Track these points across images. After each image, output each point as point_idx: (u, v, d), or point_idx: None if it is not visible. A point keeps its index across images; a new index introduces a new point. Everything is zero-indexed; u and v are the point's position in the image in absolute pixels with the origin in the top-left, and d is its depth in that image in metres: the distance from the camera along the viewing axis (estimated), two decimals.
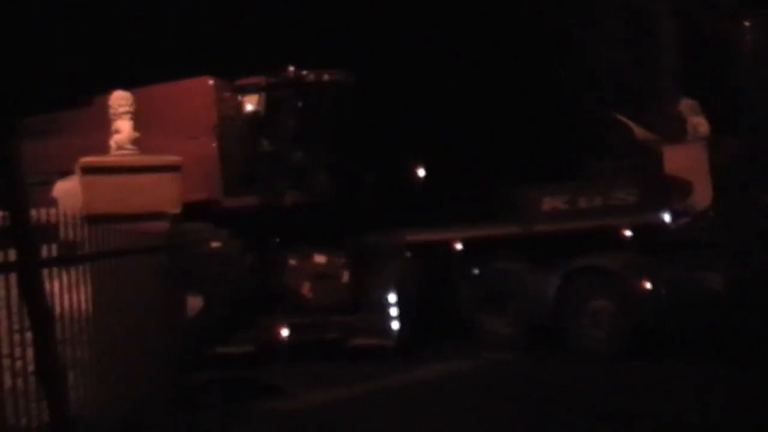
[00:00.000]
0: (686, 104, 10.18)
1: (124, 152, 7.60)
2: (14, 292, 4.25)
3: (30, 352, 4.29)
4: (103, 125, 12.80)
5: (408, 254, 11.06)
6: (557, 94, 12.49)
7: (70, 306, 5.02)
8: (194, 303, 11.40)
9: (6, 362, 4.26)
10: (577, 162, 11.18)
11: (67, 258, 5.10)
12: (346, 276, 11.29)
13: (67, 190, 7.34)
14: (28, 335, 4.27)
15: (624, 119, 11.06)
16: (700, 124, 10.17)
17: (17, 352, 4.29)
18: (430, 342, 10.65)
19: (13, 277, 4.23)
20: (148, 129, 12.21)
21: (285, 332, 11.01)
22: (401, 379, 9.54)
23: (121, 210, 6.84)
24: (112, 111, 7.88)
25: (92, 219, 5.96)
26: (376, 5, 15.26)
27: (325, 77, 11.93)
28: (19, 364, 4.30)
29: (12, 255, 4.21)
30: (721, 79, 12.41)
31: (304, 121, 11.84)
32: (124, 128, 7.74)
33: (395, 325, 10.50)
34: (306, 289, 11.40)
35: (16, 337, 4.31)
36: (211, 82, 11.89)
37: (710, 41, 12.81)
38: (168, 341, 6.99)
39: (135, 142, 7.66)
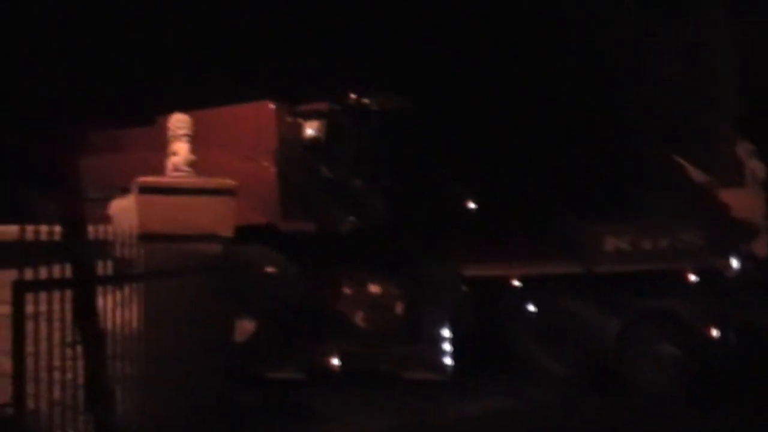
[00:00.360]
0: (744, 147, 10.03)
1: (180, 174, 7.81)
2: (67, 306, 4.32)
3: (79, 366, 4.41)
4: (164, 145, 13.01)
5: (464, 288, 10.89)
6: (613, 130, 12.28)
7: (121, 322, 5.09)
8: (247, 326, 11.42)
9: (56, 374, 4.32)
10: (634, 201, 10.92)
11: (122, 276, 5.22)
12: (400, 307, 11.15)
13: (123, 208, 7.45)
14: (78, 349, 4.39)
15: (680, 160, 10.79)
16: (757, 168, 9.98)
17: (68, 365, 4.37)
18: (484, 378, 10.43)
19: (69, 292, 4.34)
20: (210, 150, 12.38)
21: (336, 360, 10.91)
22: (448, 413, 9.39)
23: (175, 230, 6.88)
24: (170, 133, 8.15)
25: (146, 238, 6.06)
26: (435, 35, 15.26)
27: (386, 104, 11.90)
28: (69, 377, 4.38)
29: (68, 270, 4.31)
30: None
31: (364, 147, 11.80)
32: (181, 150, 7.96)
33: (450, 359, 10.31)
34: (359, 317, 11.29)
35: (68, 350, 4.39)
36: (272, 106, 11.94)
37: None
38: (216, 362, 7.09)
39: (191, 164, 7.88)
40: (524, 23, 14.26)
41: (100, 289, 4.70)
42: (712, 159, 10.50)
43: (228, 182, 7.82)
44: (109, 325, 4.93)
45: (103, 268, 4.95)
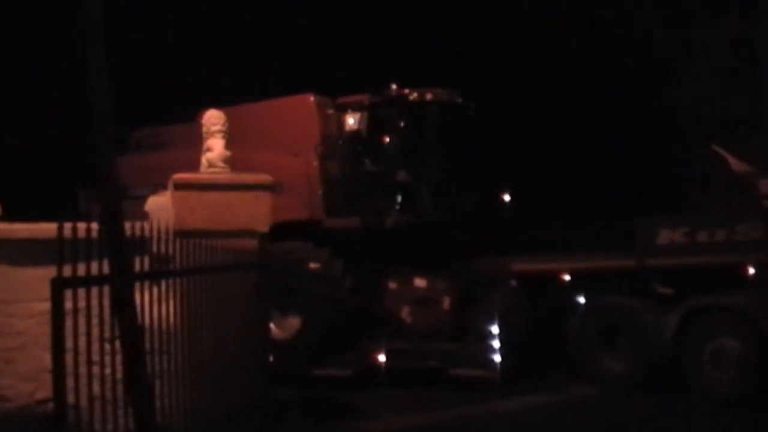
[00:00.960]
0: None
1: (215, 169, 7.73)
2: (106, 301, 4.38)
3: (118, 361, 4.44)
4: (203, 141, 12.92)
5: (513, 283, 10.60)
6: (658, 123, 11.92)
7: (159, 318, 5.13)
8: (293, 323, 11.29)
9: (96, 370, 4.38)
10: (677, 194, 10.63)
11: (159, 272, 5.24)
12: (447, 302, 10.93)
13: (160, 204, 7.40)
14: (117, 344, 4.41)
15: (721, 151, 10.46)
16: None
17: (107, 360, 4.44)
18: (534, 376, 10.17)
19: (106, 288, 4.38)
20: (250, 144, 12.23)
21: (383, 357, 10.75)
22: (491, 410, 9.20)
23: (212, 226, 6.86)
24: (204, 129, 8.06)
25: (183, 234, 6.05)
26: (478, 26, 14.97)
27: (429, 96, 11.61)
28: (108, 371, 4.44)
29: (105, 266, 4.35)
30: None
31: (408, 140, 11.55)
32: (216, 146, 7.86)
33: (498, 357, 10.06)
34: (406, 313, 11.10)
35: (107, 345, 4.44)
36: (312, 98, 11.75)
37: None
38: (254, 357, 7.08)
39: (226, 160, 7.80)
40: (570, 18, 13.98)
41: (137, 285, 4.72)
42: (757, 149, 10.41)
43: (263, 177, 7.78)
44: (147, 321, 4.96)
45: (141, 264, 5.00)
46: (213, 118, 8.11)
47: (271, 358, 11.09)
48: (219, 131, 7.96)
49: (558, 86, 13.98)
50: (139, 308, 4.61)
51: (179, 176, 7.26)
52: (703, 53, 13.20)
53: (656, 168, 11.73)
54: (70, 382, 4.11)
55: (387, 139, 11.54)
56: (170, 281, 5.32)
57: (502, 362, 10.06)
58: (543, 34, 14.76)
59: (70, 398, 4.12)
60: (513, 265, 10.55)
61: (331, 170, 11.59)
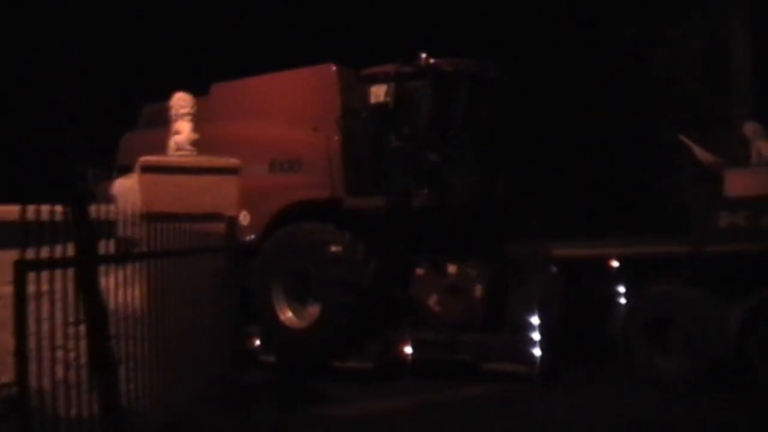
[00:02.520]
0: (750, 127, 9.65)
1: (183, 153, 7.73)
2: (70, 285, 4.36)
3: (83, 345, 4.47)
4: (220, 116, 12.06)
5: (554, 270, 9.63)
6: (627, 112, 11.25)
7: (125, 301, 5.16)
8: (311, 311, 10.45)
9: (59, 354, 4.38)
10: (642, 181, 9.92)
11: (124, 255, 5.24)
12: (479, 290, 10.01)
13: (127, 187, 7.34)
14: (82, 328, 4.42)
15: (687, 140, 10.03)
16: (764, 148, 9.52)
17: (71, 344, 4.46)
18: (575, 372, 9.25)
19: (71, 271, 4.37)
20: (267, 118, 11.39)
21: (409, 349, 9.89)
22: (530, 410, 8.34)
23: (179, 210, 6.85)
24: (173, 112, 8.00)
25: (150, 217, 6.08)
26: None
27: (462, 66, 10.70)
28: (72, 356, 4.46)
29: (71, 249, 4.34)
30: None
31: (439, 115, 10.61)
32: (184, 129, 7.84)
33: (537, 350, 9.15)
34: (434, 302, 10.21)
35: (71, 329, 4.45)
36: (334, 68, 10.86)
37: None
38: (224, 341, 7.15)
39: (194, 142, 7.82)
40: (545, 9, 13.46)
41: (102, 269, 4.74)
42: (723, 139, 10.45)
43: (231, 161, 7.71)
44: (113, 303, 4.98)
45: (106, 247, 5.01)
46: (181, 101, 8.04)
47: (285, 349, 10.43)
48: (187, 114, 7.91)
49: (530, 77, 13.25)
50: (104, 292, 4.63)
51: (146, 159, 7.18)
52: (675, 45, 13.12)
53: (627, 159, 11.01)
54: (33, 366, 4.11)
55: (415, 113, 10.61)
56: (137, 265, 5.32)
57: (540, 356, 9.14)
58: (513, 24, 14.06)
59: (34, 382, 4.12)
60: (553, 249, 9.59)
61: (354, 146, 10.71)
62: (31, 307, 4.04)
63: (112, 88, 15.01)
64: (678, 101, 12.71)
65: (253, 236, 10.99)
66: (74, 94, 4.22)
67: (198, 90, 12.46)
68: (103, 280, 4.60)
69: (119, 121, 13.33)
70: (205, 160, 7.61)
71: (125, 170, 11.30)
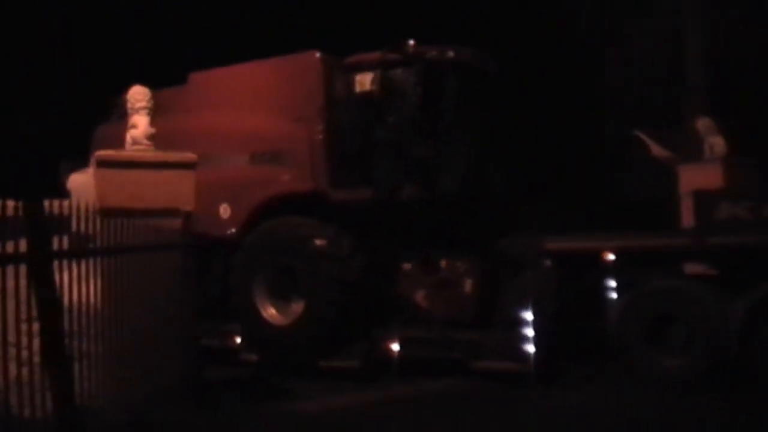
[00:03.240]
0: (703, 123, 9.76)
1: (139, 147, 7.63)
2: (23, 282, 4.28)
3: (36, 343, 4.39)
4: (198, 105, 11.60)
5: (548, 264, 9.29)
6: (582, 108, 11.15)
7: (80, 298, 5.07)
8: (294, 307, 10.05)
9: (12, 351, 4.31)
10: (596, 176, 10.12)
11: (78, 251, 5.10)
12: (470, 285, 9.68)
13: (82, 182, 7.29)
14: (35, 325, 4.36)
15: (642, 136, 10.08)
16: (716, 143, 9.72)
17: (24, 341, 4.37)
18: (571, 370, 8.94)
19: (23, 267, 4.28)
20: (248, 109, 10.96)
21: (396, 347, 9.52)
22: (523, 409, 8.07)
23: (135, 205, 6.83)
24: (129, 106, 7.92)
25: (106, 213, 6.07)
26: None
27: (452, 54, 10.32)
28: (25, 353, 4.38)
29: (23, 245, 4.27)
30: (744, 98, 12.25)
31: (427, 104, 10.23)
32: (140, 123, 7.75)
33: (531, 347, 8.80)
34: (423, 298, 9.86)
35: (24, 326, 4.37)
36: (318, 56, 10.45)
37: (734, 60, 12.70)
38: (183, 338, 7.07)
39: (151, 137, 7.72)
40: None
41: (57, 265, 4.62)
42: (676, 135, 10.48)
43: (188, 155, 7.63)
44: (68, 300, 4.87)
45: (60, 243, 4.86)
46: (138, 95, 7.95)
47: (268, 346, 10.01)
48: (144, 108, 7.83)
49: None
50: (58, 288, 4.50)
51: (101, 153, 7.07)
52: (632, 41, 13.31)
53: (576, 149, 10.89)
54: None
55: (402, 103, 10.23)
56: (91, 261, 5.20)
57: (534, 353, 8.80)
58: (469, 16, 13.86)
59: None
60: (547, 243, 9.25)
61: (338, 136, 10.31)
62: None
63: (89, 78, 14.47)
64: (632, 97, 12.84)
65: (233, 230, 10.57)
66: (23, 88, 4.36)
67: (176, 79, 12.10)
68: (57, 277, 4.49)
69: (97, 112, 12.82)
70: (161, 155, 7.48)
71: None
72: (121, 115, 12.46)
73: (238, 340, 10.57)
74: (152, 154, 7.51)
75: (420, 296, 9.87)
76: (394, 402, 8.54)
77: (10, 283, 4.21)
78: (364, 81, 10.30)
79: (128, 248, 5.79)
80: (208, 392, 7.72)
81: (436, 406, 8.34)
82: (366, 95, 10.25)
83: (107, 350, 5.41)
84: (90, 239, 5.32)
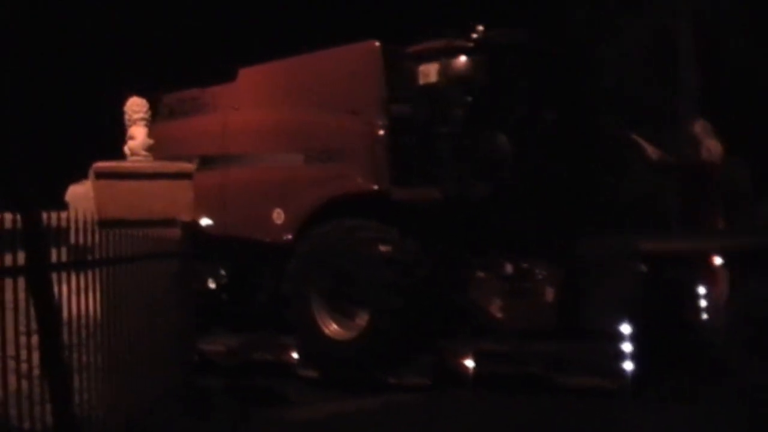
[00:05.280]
0: (700, 125, 9.43)
1: (138, 158, 7.73)
2: (22, 294, 4.31)
3: (36, 355, 4.42)
4: (248, 102, 10.86)
5: (642, 268, 8.30)
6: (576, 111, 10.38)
7: (79, 310, 5.12)
8: (356, 320, 9.22)
9: (12, 364, 4.35)
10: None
11: (77, 262, 5.15)
12: (550, 293, 8.73)
13: (80, 194, 7.32)
14: (35, 338, 4.38)
15: (638, 139, 9.50)
16: (713, 147, 9.34)
17: (23, 354, 4.42)
18: (671, 387, 7.92)
19: (22, 280, 4.32)
20: (302, 103, 10.18)
21: (470, 362, 8.63)
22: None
23: (133, 216, 6.92)
24: (127, 117, 7.95)
25: (104, 224, 6.17)
26: None
27: (524, 39, 9.45)
28: (24, 366, 4.43)
29: (22, 257, 4.30)
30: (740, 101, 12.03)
31: (497, 95, 9.37)
32: (138, 134, 7.86)
33: (624, 361, 7.83)
34: (497, 307, 8.95)
35: (23, 339, 4.41)
36: (377, 45, 9.63)
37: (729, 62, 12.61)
38: (179, 346, 7.22)
39: (149, 148, 7.83)
40: None
41: (56, 277, 4.70)
42: (672, 137, 10.33)
43: (185, 166, 7.82)
44: (67, 312, 4.91)
45: (58, 255, 4.94)
46: (135, 106, 8.03)
47: (328, 362, 9.24)
48: (141, 119, 7.94)
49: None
50: (57, 300, 4.55)
51: (100, 165, 7.11)
52: (623, 41, 13.08)
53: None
54: None
55: (470, 94, 9.36)
56: (90, 272, 5.29)
57: (628, 368, 7.83)
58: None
59: None
60: (641, 244, 8.26)
61: (401, 131, 9.46)
62: None
63: (97, 81, 13.86)
64: (626, 98, 12.60)
65: (289, 236, 9.78)
66: (16, 95, 4.02)
67: (223, 76, 11.40)
68: (56, 289, 4.53)
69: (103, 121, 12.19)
70: (158, 166, 7.63)
71: None
72: (165, 115, 11.87)
73: (295, 354, 9.78)
74: (150, 165, 7.64)
75: (493, 305, 8.97)
76: (400, 409, 8.16)
77: (9, 295, 4.23)
78: (429, 71, 9.47)
79: (126, 259, 5.85)
80: (204, 400, 7.81)
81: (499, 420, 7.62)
82: (430, 86, 9.43)
83: (106, 361, 5.47)
84: (89, 251, 5.36)
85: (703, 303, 8.15)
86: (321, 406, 8.39)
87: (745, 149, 9.68)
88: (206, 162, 10.87)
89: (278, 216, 9.98)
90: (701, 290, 8.17)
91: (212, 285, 10.96)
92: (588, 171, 9.86)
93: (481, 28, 9.22)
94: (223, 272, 10.99)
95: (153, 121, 11.74)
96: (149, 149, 7.85)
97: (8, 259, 4.24)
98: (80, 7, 14.69)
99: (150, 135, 11.75)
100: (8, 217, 4.22)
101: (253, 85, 10.74)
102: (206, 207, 10.76)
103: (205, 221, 10.76)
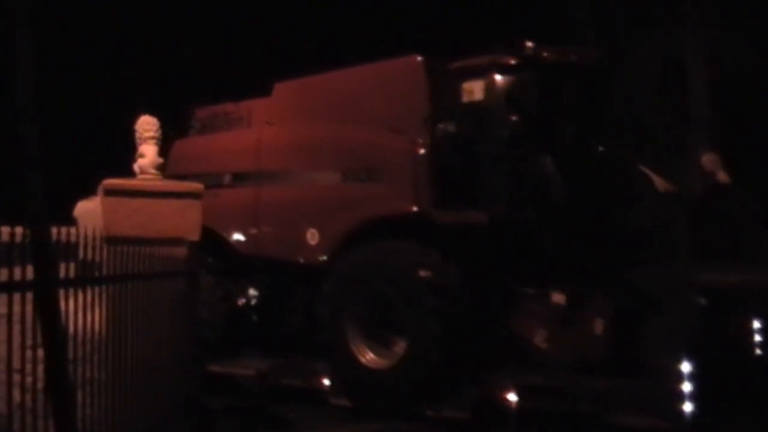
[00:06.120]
0: (708, 158, 9.32)
1: (147, 176, 7.74)
2: (29, 308, 4.34)
3: (40, 369, 4.43)
4: (284, 117, 10.52)
5: (700, 300, 7.80)
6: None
7: (84, 326, 5.15)
8: (394, 348, 8.79)
9: (16, 377, 4.40)
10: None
11: (85, 279, 5.20)
12: (600, 325, 8.23)
13: (88, 210, 7.30)
14: (40, 352, 4.37)
15: (646, 170, 9.13)
16: (722, 179, 9.24)
17: (28, 368, 4.45)
18: (730, 425, 7.43)
19: (29, 294, 4.35)
20: (341, 120, 9.81)
21: (513, 396, 8.15)
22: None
23: (141, 233, 6.92)
24: (137, 135, 7.93)
25: (112, 240, 6.25)
26: None
27: (574, 57, 9.03)
28: (29, 380, 4.48)
29: (30, 272, 4.30)
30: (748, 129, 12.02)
31: (546, 113, 8.96)
32: (148, 153, 7.85)
33: (683, 400, 7.32)
34: (543, 338, 8.46)
35: (28, 353, 4.44)
36: (420, 60, 9.25)
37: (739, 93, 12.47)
38: (183, 366, 7.18)
39: (158, 167, 7.86)
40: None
41: (62, 292, 4.74)
42: (680, 168, 10.36)
43: (194, 185, 7.81)
44: (72, 328, 4.97)
45: (66, 270, 4.96)
46: (146, 124, 7.97)
47: (359, 392, 8.84)
48: (152, 137, 7.91)
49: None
50: (63, 315, 4.66)
51: (109, 182, 7.14)
52: (633, 72, 12.67)
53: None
54: None
55: (517, 113, 8.96)
56: (97, 288, 5.36)
57: (687, 408, 7.31)
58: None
59: None
60: (700, 274, 7.76)
61: (444, 151, 9.05)
62: None
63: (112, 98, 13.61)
64: (635, 129, 12.45)
65: (324, 257, 9.38)
66: (30, 104, 4.00)
67: (257, 91, 11.07)
68: (63, 304, 4.59)
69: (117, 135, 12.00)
70: (168, 184, 7.69)
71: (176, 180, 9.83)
72: (198, 129, 11.57)
73: (327, 381, 9.36)
74: (159, 184, 7.68)
75: (539, 336, 8.47)
76: None
77: (16, 309, 4.28)
78: (473, 88, 9.06)
79: (133, 276, 5.91)
80: (209, 420, 7.86)
81: None
82: (474, 104, 9.02)
83: (110, 377, 5.50)
84: (96, 267, 5.39)
85: (762, 338, 7.59)
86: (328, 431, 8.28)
87: (755, 180, 9.60)
88: (239, 178, 10.56)
89: (313, 236, 9.60)
90: (759, 325, 7.63)
91: (242, 305, 10.60)
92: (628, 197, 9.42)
93: (529, 44, 8.80)
94: (254, 292, 10.61)
95: (185, 134, 11.56)
96: (159, 168, 7.88)
97: (17, 273, 4.29)
98: (103, 17, 14.50)
99: (182, 149, 11.55)
100: (18, 230, 4.24)
101: (289, 100, 10.41)
102: (238, 224, 10.45)
103: (236, 239, 10.42)
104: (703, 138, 12.28)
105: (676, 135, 12.70)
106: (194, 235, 7.51)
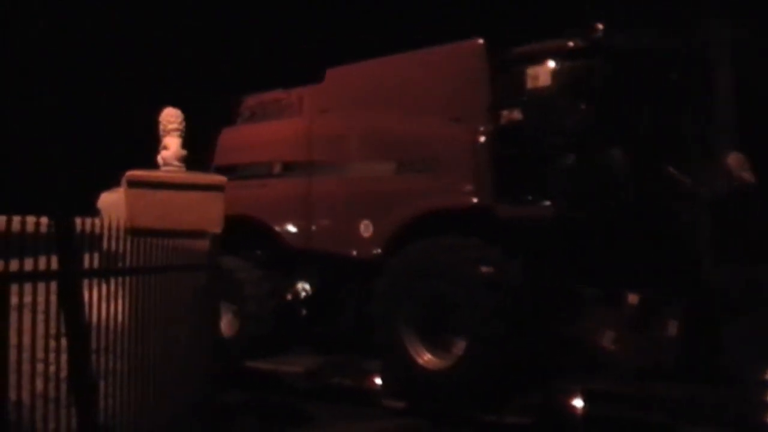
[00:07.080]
0: (734, 158, 8.71)
1: (170, 168, 7.73)
2: (53, 298, 4.40)
3: (63, 359, 4.49)
4: (335, 105, 10.12)
5: None
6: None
7: (107, 316, 5.20)
8: (452, 348, 8.35)
9: (40, 367, 4.43)
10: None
11: (108, 270, 5.25)
12: (673, 327, 7.74)
13: (112, 201, 7.29)
14: (63, 342, 4.44)
15: (671, 170, 8.61)
16: (748, 179, 8.66)
17: (51, 357, 4.51)
18: None
19: (54, 284, 4.41)
20: (396, 108, 9.38)
21: (579, 402, 7.68)
22: None
23: (164, 225, 6.87)
24: (161, 128, 7.90)
25: (135, 232, 6.29)
26: None
27: (647, 42, 8.48)
28: (52, 369, 4.52)
29: (54, 262, 4.39)
30: None
31: (616, 103, 8.42)
32: (172, 145, 7.82)
33: None
34: (612, 340, 7.99)
35: (51, 342, 4.50)
36: (482, 44, 8.78)
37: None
38: (203, 359, 7.14)
39: (182, 159, 7.81)
40: None
41: (86, 282, 4.80)
42: (705, 168, 9.41)
43: (217, 178, 7.84)
44: (95, 319, 5.00)
45: (90, 261, 5.01)
46: (170, 117, 7.94)
47: (417, 393, 8.45)
48: (176, 130, 7.89)
49: None
50: (87, 306, 4.70)
51: (133, 173, 7.08)
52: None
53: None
54: (12, 378, 4.19)
55: (587, 101, 8.43)
56: (119, 279, 5.43)
57: None
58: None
59: (12, 394, 4.18)
60: None
61: (507, 141, 8.57)
62: (12, 318, 4.11)
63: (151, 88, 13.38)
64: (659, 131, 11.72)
65: (378, 251, 8.98)
66: (57, 98, 4.14)
67: (309, 77, 10.68)
68: (86, 294, 4.71)
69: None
70: (191, 177, 7.65)
71: (223, 171, 9.51)
72: (246, 118, 11.23)
73: (379, 381, 8.98)
74: (183, 176, 7.66)
75: (608, 338, 8.00)
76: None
77: (40, 299, 4.33)
78: (539, 75, 8.55)
79: (156, 268, 5.94)
80: (225, 414, 7.84)
81: None
82: (540, 91, 8.51)
83: (131, 369, 5.55)
84: (119, 258, 5.45)
85: None
86: (346, 427, 8.16)
87: None
88: (288, 168, 10.20)
89: (366, 229, 9.20)
90: None
91: (291, 300, 10.24)
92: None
93: (600, 27, 8.28)
94: (304, 287, 10.25)
95: (234, 123, 11.23)
96: (182, 160, 7.85)
97: (41, 263, 4.33)
98: (130, 8, 14.29)
99: (230, 138, 11.23)
100: (43, 221, 4.29)
101: (341, 87, 9.99)
102: (287, 215, 10.10)
103: (285, 230, 10.07)
104: (729, 138, 11.88)
105: (702, 136, 12.41)
106: (216, 228, 7.49)
